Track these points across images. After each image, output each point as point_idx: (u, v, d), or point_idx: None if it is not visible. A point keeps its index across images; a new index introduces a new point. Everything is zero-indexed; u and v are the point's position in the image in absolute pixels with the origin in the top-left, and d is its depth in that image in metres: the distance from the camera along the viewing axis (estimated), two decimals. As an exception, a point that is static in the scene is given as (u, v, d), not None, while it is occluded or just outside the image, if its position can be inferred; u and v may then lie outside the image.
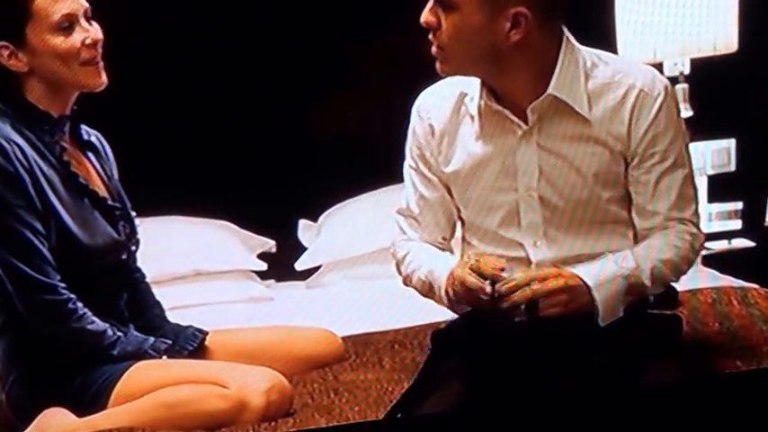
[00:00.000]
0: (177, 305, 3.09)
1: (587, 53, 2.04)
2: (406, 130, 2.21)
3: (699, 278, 2.78)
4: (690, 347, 2.19)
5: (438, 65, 2.02)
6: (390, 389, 2.21)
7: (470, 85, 2.08)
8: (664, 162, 2.02)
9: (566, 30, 2.02)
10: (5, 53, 2.13)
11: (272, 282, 3.70)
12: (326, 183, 3.63)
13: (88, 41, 2.14)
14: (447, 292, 2.00)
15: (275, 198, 3.59)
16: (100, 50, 2.17)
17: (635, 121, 2.00)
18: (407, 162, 2.21)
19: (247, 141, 3.70)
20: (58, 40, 2.11)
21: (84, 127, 2.32)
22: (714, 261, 3.35)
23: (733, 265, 3.14)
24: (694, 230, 2.06)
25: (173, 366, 2.16)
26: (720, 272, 3.04)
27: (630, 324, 2.00)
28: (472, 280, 1.91)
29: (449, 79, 2.13)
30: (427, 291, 2.11)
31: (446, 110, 2.12)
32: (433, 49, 1.99)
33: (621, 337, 1.96)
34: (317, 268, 3.61)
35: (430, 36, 1.98)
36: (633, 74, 2.04)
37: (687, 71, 3.59)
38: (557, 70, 1.99)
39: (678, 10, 3.46)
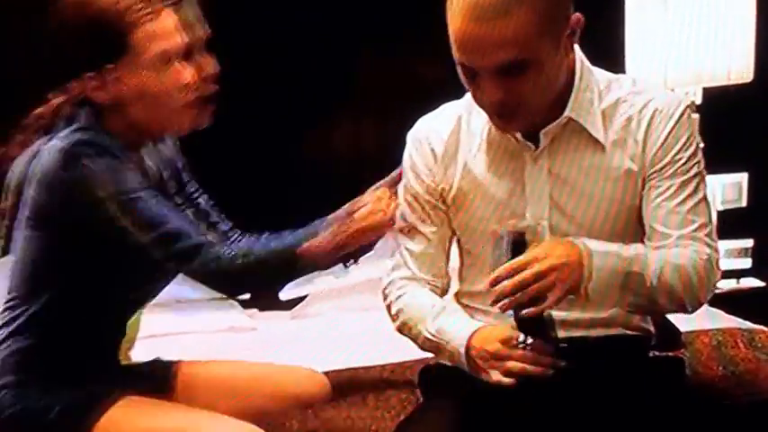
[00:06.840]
0: (156, 333, 3.16)
1: (601, 75, 1.98)
2: (398, 160, 2.13)
3: (703, 318, 2.72)
4: (692, 392, 2.16)
5: (510, 123, 1.91)
6: (374, 427, 2.22)
7: (466, 107, 2.03)
8: (681, 176, 1.93)
9: (579, 50, 1.95)
10: (92, 84, 2.01)
11: (254, 311, 3.70)
12: (314, 211, 3.57)
13: (188, 80, 2.00)
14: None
15: (260, 225, 3.51)
16: (207, 87, 2.03)
17: (649, 138, 1.93)
18: (406, 187, 2.11)
19: (233, 168, 3.68)
20: (152, 78, 1.98)
21: None
22: (721, 301, 3.24)
23: (741, 305, 3.09)
24: (709, 250, 1.93)
25: (155, 410, 2.10)
26: (727, 312, 3.00)
27: (632, 367, 1.96)
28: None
29: (440, 108, 2.09)
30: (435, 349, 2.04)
31: (446, 134, 2.05)
32: (502, 109, 1.87)
33: (623, 380, 1.92)
34: (303, 298, 3.62)
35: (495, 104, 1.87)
36: (649, 92, 1.97)
37: (699, 101, 3.56)
38: (573, 92, 1.93)
39: (691, 35, 3.43)
